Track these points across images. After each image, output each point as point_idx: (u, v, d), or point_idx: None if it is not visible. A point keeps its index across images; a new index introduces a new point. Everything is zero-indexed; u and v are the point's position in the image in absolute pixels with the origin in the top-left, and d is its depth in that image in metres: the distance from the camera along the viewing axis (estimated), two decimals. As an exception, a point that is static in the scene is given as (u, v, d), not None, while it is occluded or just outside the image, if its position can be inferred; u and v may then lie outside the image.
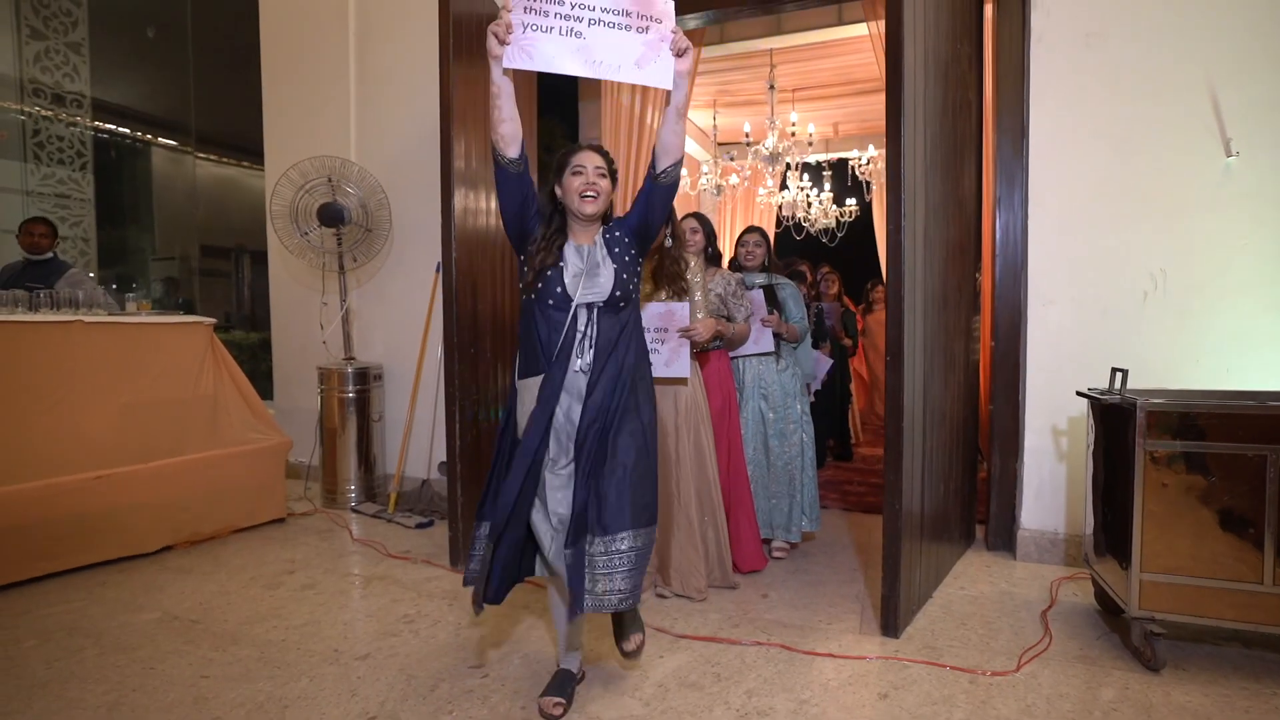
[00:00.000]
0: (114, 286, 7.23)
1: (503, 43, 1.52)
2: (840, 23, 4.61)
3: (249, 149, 7.61)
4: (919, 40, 2.31)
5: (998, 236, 2.95)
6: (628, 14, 1.55)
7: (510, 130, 1.60)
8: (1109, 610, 2.32)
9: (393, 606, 2.47)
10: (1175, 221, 2.64)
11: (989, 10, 3.07)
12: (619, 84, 5.13)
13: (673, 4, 1.57)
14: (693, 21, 3.67)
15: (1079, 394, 2.33)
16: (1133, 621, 2.02)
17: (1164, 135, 2.65)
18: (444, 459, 3.90)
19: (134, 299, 3.43)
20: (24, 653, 2.11)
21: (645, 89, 5.18)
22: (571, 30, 1.52)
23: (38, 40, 6.11)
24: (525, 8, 1.51)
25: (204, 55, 7.20)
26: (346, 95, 4.15)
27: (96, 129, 6.68)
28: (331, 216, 3.61)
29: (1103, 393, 2.22)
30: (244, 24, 4.62)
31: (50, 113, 6.22)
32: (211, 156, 8.05)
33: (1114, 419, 2.15)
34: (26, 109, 6.11)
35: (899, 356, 2.17)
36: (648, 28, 1.55)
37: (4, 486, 2.49)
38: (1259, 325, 2.54)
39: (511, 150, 1.63)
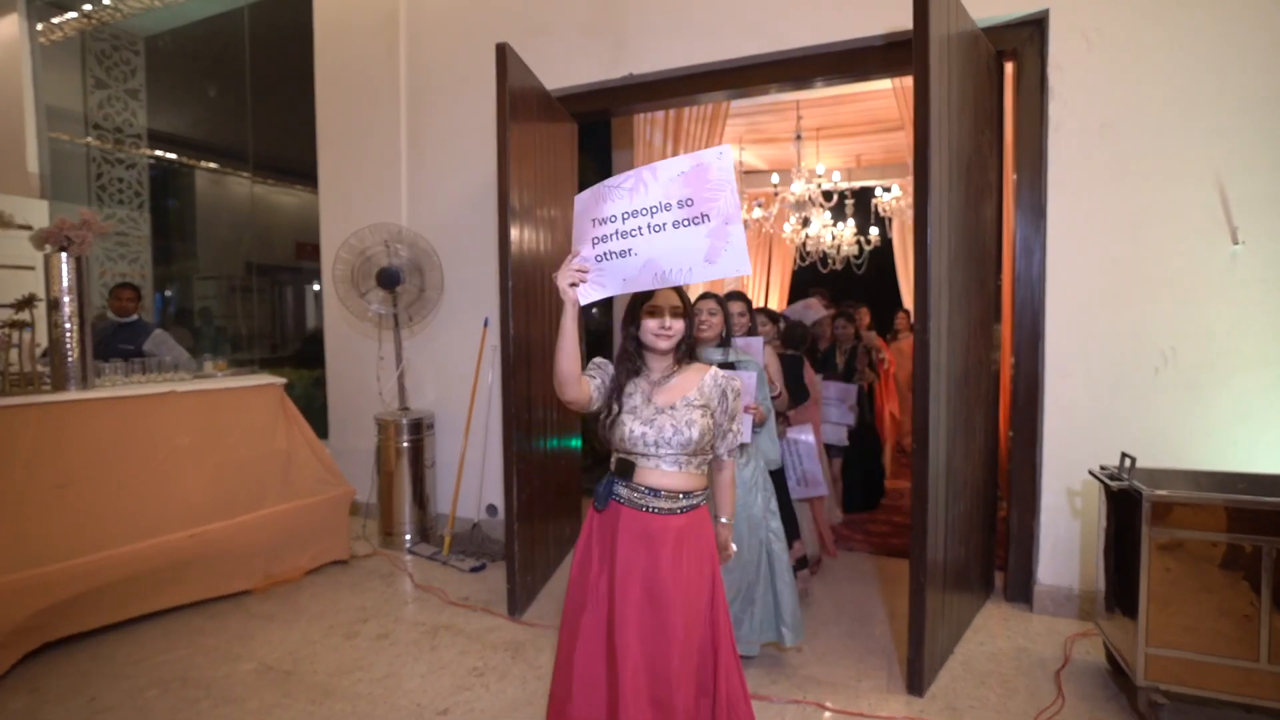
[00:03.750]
0: (165, 316, 7.62)
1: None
2: (865, 79, 4.79)
3: (289, 169, 7.97)
4: (944, 144, 2.52)
5: (1017, 309, 3.14)
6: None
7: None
8: (1117, 670, 2.52)
9: (461, 659, 2.74)
10: (1185, 303, 2.82)
11: (1009, 98, 3.26)
12: (650, 130, 5.38)
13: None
14: (716, 99, 3.90)
15: (1091, 474, 2.53)
16: (1140, 690, 2.22)
17: (1174, 222, 2.83)
18: (491, 502, 4.18)
19: (210, 358, 3.73)
20: (149, 702, 2.40)
21: (680, 133, 5.43)
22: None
23: (101, 89, 6.50)
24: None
25: (257, 83, 7.53)
26: (398, 157, 4.43)
27: (151, 157, 7.04)
28: (389, 279, 3.89)
29: (1112, 477, 2.42)
30: (294, 54, 4.92)
31: (110, 151, 6.59)
32: (261, 180, 8.39)
33: (1122, 501, 2.35)
34: (92, 153, 6.49)
35: (925, 444, 2.39)
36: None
37: (117, 549, 2.79)
38: (1263, 403, 2.71)
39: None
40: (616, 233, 1.43)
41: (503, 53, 3.13)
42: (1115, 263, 2.92)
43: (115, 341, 3.74)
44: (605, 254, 1.44)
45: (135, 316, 3.98)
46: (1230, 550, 2.11)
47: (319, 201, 4.71)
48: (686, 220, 1.39)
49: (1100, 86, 2.92)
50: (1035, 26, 3.05)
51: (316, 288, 6.42)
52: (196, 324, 8.07)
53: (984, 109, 3.06)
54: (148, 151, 7.06)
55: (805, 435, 3.52)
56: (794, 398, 3.23)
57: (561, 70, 3.83)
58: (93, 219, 2.84)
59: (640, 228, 1.40)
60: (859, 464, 4.69)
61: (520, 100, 3.29)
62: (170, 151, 7.85)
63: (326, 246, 4.56)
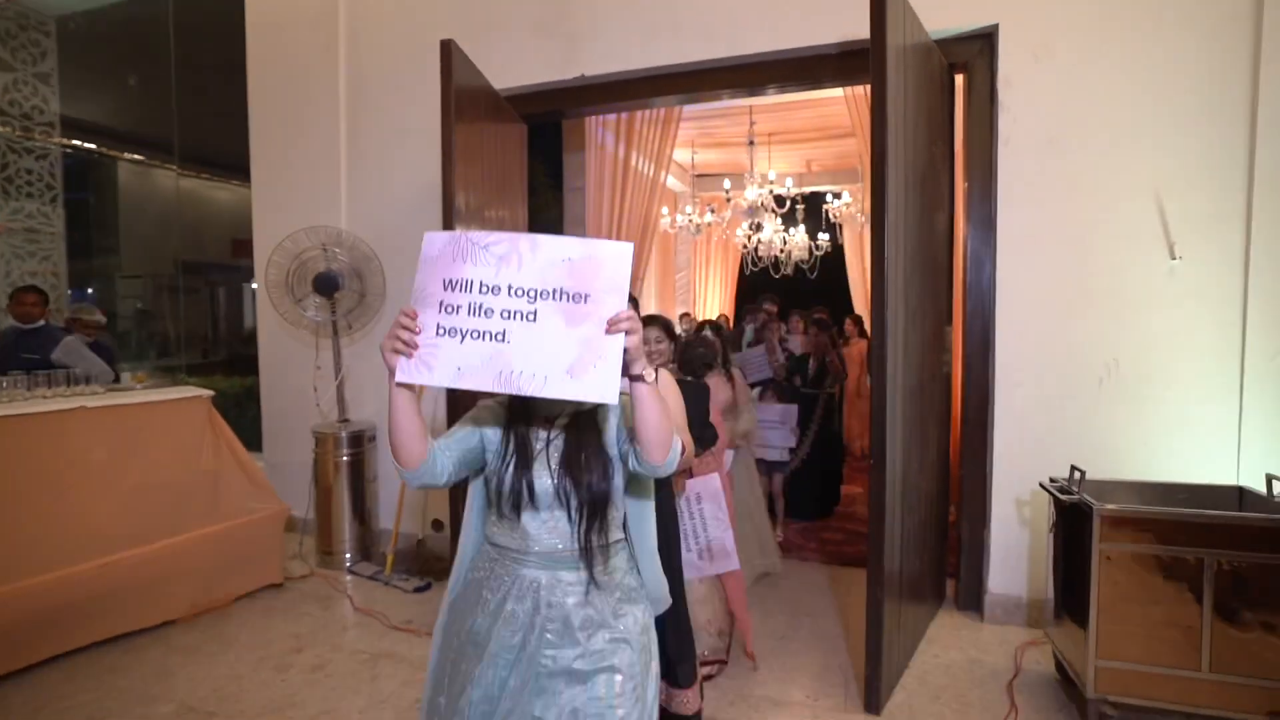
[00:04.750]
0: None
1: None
2: (818, 87, 4.81)
3: (223, 162, 7.54)
4: (900, 154, 2.50)
5: (968, 321, 3.17)
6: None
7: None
8: (1066, 679, 2.55)
9: (403, 691, 2.58)
10: (1126, 315, 2.89)
11: (960, 110, 3.28)
12: (602, 132, 5.28)
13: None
14: (670, 102, 3.83)
15: (1041, 486, 2.55)
16: (1090, 702, 2.24)
17: (1116, 236, 2.89)
18: (436, 517, 4.01)
19: (129, 370, 3.45)
20: (49, 758, 2.18)
21: (633, 136, 5.34)
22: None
23: (6, 72, 5.99)
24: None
25: (183, 70, 7.08)
26: (337, 158, 4.20)
27: (63, 144, 6.54)
28: (326, 285, 3.68)
29: (1062, 489, 2.44)
30: (225, 40, 4.61)
31: (17, 140, 6.09)
32: (190, 173, 7.91)
33: (1072, 514, 2.38)
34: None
35: (881, 457, 2.37)
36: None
37: (15, 584, 2.52)
38: (1198, 413, 2.80)
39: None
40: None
41: (447, 50, 2.99)
42: (1061, 275, 2.97)
43: (18, 350, 3.41)
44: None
45: (41, 322, 3.65)
46: (1175, 562, 2.14)
47: (253, 203, 4.43)
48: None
49: (1047, 102, 2.96)
50: (985, 40, 3.09)
51: (254, 286, 6.12)
52: (121, 327, 7.56)
53: (937, 120, 3.08)
54: (62, 141, 6.57)
55: (710, 489, 2.62)
56: (699, 441, 2.29)
57: (511, 70, 3.69)
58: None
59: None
60: (817, 470, 4.68)
61: (466, 100, 3.15)
62: (89, 141, 7.34)
63: (260, 249, 4.29)
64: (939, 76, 3.09)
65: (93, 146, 7.46)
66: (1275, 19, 2.64)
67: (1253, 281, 2.72)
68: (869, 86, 2.42)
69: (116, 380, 3.36)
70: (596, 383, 1.05)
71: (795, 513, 4.59)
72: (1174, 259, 2.81)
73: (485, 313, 1.09)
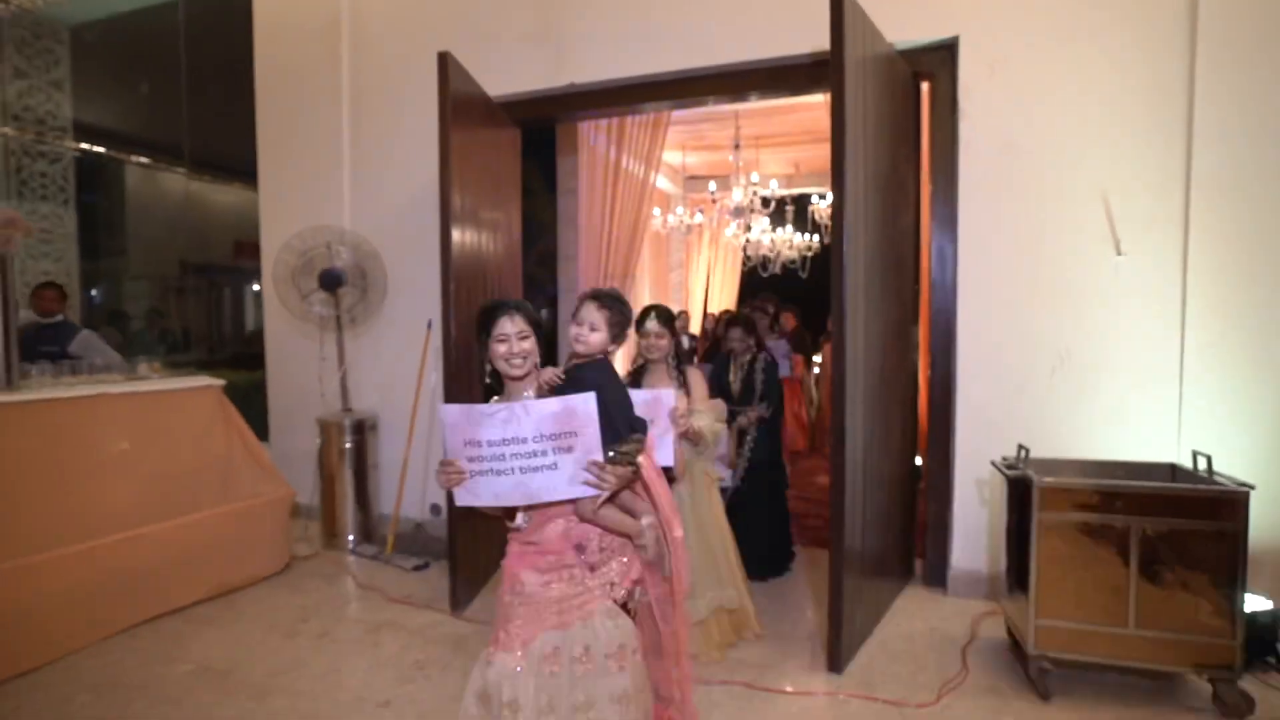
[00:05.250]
0: (93, 315, 7.32)
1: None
2: (796, 94, 5.03)
3: (226, 165, 7.76)
4: (860, 158, 2.71)
5: (932, 315, 3.38)
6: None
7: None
8: (1015, 644, 2.76)
9: (403, 654, 2.79)
10: (1077, 308, 3.10)
11: (925, 116, 3.50)
12: (594, 134, 5.49)
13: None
14: (657, 109, 4.05)
15: (993, 464, 2.76)
16: (1030, 659, 2.45)
17: (1068, 235, 3.10)
18: (434, 502, 4.22)
19: (144, 359, 3.66)
20: (81, 708, 2.39)
21: (624, 139, 5.55)
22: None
23: (21, 79, 6.22)
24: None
25: (192, 75, 7.30)
26: (341, 159, 4.42)
27: (75, 148, 6.76)
28: (331, 281, 3.89)
29: (1010, 465, 2.65)
30: (233, 44, 4.82)
31: (32, 144, 6.30)
32: (198, 176, 8.12)
33: (1018, 488, 2.59)
34: (10, 145, 6.20)
35: (841, 435, 2.58)
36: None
37: (42, 555, 2.73)
38: (1138, 399, 3.01)
39: None
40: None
41: (444, 61, 3.20)
42: (1017, 271, 3.18)
43: (38, 344, 3.62)
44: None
45: (60, 317, 3.86)
46: (1105, 529, 2.35)
47: (259, 202, 4.66)
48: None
49: (1003, 109, 3.18)
50: (948, 51, 3.30)
51: (256, 288, 6.31)
52: (132, 326, 7.77)
53: (901, 125, 3.29)
54: (74, 145, 6.79)
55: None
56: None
57: (505, 77, 3.91)
58: (17, 218, 2.78)
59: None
60: (760, 514, 3.53)
61: (462, 106, 3.36)
62: (98, 144, 7.55)
63: (267, 247, 4.51)
64: (903, 84, 3.31)
65: (102, 150, 7.68)
66: (1209, 34, 2.85)
67: (1191, 277, 2.93)
68: (830, 102, 2.63)
69: (133, 370, 3.57)
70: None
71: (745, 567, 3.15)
72: (1119, 255, 3.02)
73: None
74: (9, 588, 2.61)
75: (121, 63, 7.39)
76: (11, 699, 2.45)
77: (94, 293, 7.82)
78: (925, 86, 3.48)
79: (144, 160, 8.03)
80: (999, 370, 3.22)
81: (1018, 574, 2.60)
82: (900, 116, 3.28)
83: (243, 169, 5.07)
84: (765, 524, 3.55)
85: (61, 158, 6.59)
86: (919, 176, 3.56)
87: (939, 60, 3.34)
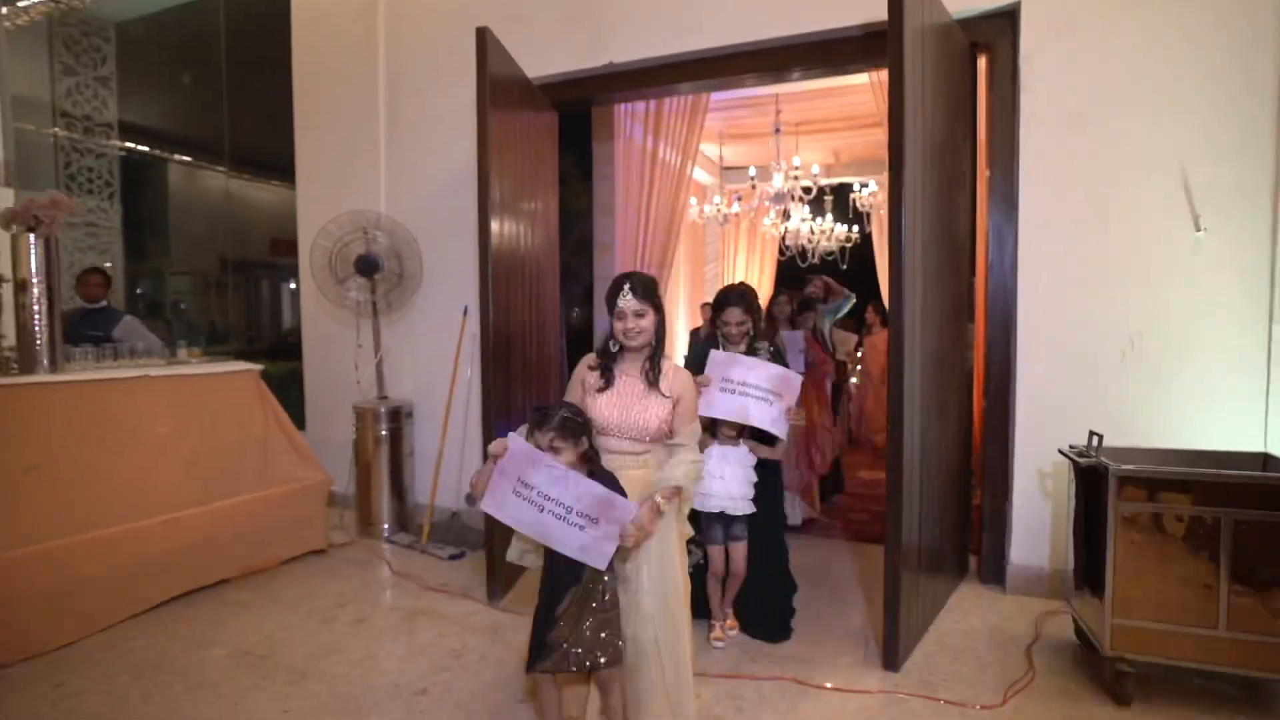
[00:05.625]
0: (140, 305, 7.47)
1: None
2: (843, 72, 4.86)
3: (265, 163, 7.87)
4: (918, 132, 2.56)
5: (990, 297, 3.21)
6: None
7: None
8: (1086, 645, 2.58)
9: (440, 641, 2.73)
10: (1150, 289, 2.90)
11: (982, 89, 3.33)
12: (631, 123, 5.40)
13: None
14: (697, 88, 3.93)
15: (1061, 453, 2.59)
16: (1105, 660, 2.28)
17: (1140, 210, 2.91)
18: (470, 491, 4.16)
19: (184, 344, 3.67)
20: (121, 688, 2.36)
21: (660, 127, 5.44)
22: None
23: (69, 76, 6.36)
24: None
25: (232, 73, 7.41)
26: (376, 143, 4.40)
27: (122, 148, 6.91)
28: (367, 267, 3.86)
29: (1081, 453, 2.48)
30: (272, 42, 4.85)
31: (79, 140, 6.45)
32: (237, 174, 8.27)
33: (1090, 477, 2.42)
34: (60, 142, 6.35)
35: (899, 420, 2.44)
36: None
37: (88, 534, 2.73)
38: (1221, 385, 2.80)
39: None
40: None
41: (483, 38, 3.13)
42: (1084, 250, 2.99)
43: (83, 328, 3.66)
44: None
45: (104, 303, 3.91)
46: (1192, 522, 2.17)
47: (297, 189, 4.66)
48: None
49: (1069, 78, 2.99)
50: (1007, 19, 3.12)
51: (293, 285, 6.35)
52: (169, 318, 7.93)
53: (957, 99, 3.12)
54: (119, 143, 6.93)
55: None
56: None
57: (542, 59, 3.83)
58: (62, 198, 2.79)
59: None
60: (755, 573, 2.72)
61: (500, 87, 3.28)
62: (143, 144, 7.71)
63: (304, 233, 4.52)
64: (960, 55, 3.14)
65: (146, 149, 7.84)
66: (1301, -12, 2.64)
67: None
68: (888, 75, 2.49)
69: (173, 355, 3.58)
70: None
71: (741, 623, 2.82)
72: (1199, 231, 2.82)
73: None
74: (50, 566, 2.61)
75: (165, 59, 7.53)
76: (55, 673, 2.45)
77: (140, 290, 8.01)
78: (982, 59, 3.31)
79: (186, 159, 8.20)
80: (1063, 355, 3.04)
81: (1089, 570, 2.43)
82: (956, 90, 3.11)
83: (280, 167, 5.09)
84: (761, 582, 2.75)
85: (107, 152, 6.73)
86: (975, 154, 3.39)
87: (998, 29, 3.16)
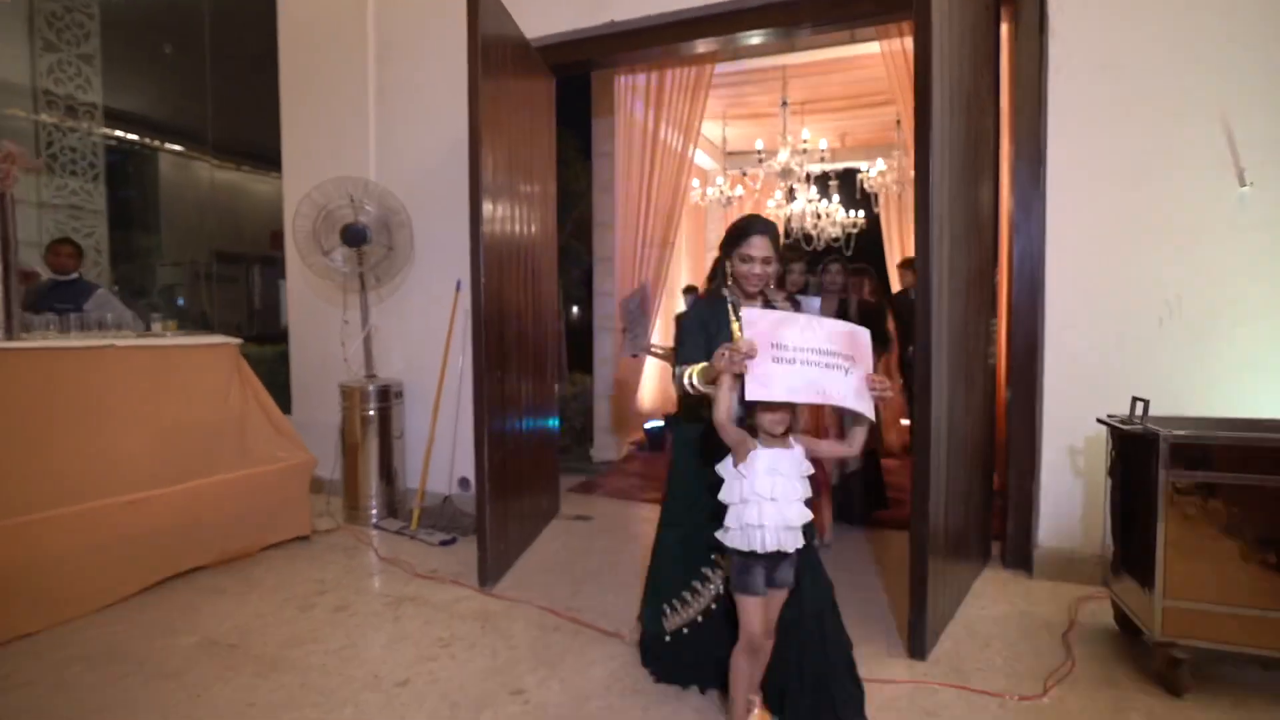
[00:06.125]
0: (116, 289, 7.26)
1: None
2: (852, 41, 4.66)
3: (262, 155, 7.67)
4: (945, 78, 2.36)
5: (1015, 261, 3.00)
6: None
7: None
8: (1128, 631, 2.37)
9: (426, 629, 2.52)
10: (1190, 249, 2.70)
11: (1005, 38, 3.13)
12: (631, 99, 5.19)
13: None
14: (702, 47, 3.72)
15: (1099, 421, 2.38)
16: (1155, 647, 2.07)
17: (1178, 165, 2.71)
18: (463, 475, 3.96)
19: (159, 318, 3.47)
20: (72, 678, 2.15)
21: (662, 104, 5.23)
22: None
23: (51, 52, 6.15)
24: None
25: (220, 62, 7.21)
26: (365, 113, 4.19)
27: (107, 136, 6.71)
28: (354, 237, 3.66)
29: (1124, 421, 2.27)
30: (262, 32, 4.65)
31: (62, 121, 6.24)
32: (228, 165, 8.07)
33: (1134, 447, 2.21)
34: (40, 120, 6.14)
35: (927, 390, 2.23)
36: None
37: (42, 513, 2.52)
38: (1271, 350, 2.59)
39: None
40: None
41: (474, -13, 2.92)
42: (1117, 209, 2.79)
43: (52, 300, 3.45)
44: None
45: (76, 274, 3.69)
46: (1251, 493, 1.96)
47: (282, 158, 4.45)
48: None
49: (1102, 24, 2.79)
50: (1035, -36, 2.92)
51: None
52: (153, 302, 7.73)
53: (982, 51, 2.92)
54: (106, 131, 6.71)
55: None
56: None
57: (539, 18, 3.63)
58: (15, 149, 2.58)
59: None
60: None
61: (494, 47, 3.07)
62: (130, 132, 7.50)
63: (289, 201, 4.30)
64: (985, 4, 2.94)
65: (134, 137, 7.64)
66: (1358, -80, 2.44)
67: (1333, 207, 2.52)
68: (909, 33, 2.29)
69: (148, 329, 3.37)
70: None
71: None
72: (1244, 186, 2.61)
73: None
74: (5, 547, 2.39)
75: (151, 42, 7.32)
76: (2, 662, 2.23)
77: (137, 281, 7.81)
78: (1005, 13, 3.11)
79: (176, 149, 7.99)
80: (1095, 321, 2.83)
81: (1133, 550, 2.22)
82: (981, 43, 2.90)
83: (274, 158, 4.85)
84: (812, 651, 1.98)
85: (91, 133, 6.51)
86: (998, 110, 3.18)
87: (1025, -25, 2.96)
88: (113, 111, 6.88)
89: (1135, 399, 2.27)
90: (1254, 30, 2.60)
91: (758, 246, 1.90)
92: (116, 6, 6.63)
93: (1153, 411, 2.38)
